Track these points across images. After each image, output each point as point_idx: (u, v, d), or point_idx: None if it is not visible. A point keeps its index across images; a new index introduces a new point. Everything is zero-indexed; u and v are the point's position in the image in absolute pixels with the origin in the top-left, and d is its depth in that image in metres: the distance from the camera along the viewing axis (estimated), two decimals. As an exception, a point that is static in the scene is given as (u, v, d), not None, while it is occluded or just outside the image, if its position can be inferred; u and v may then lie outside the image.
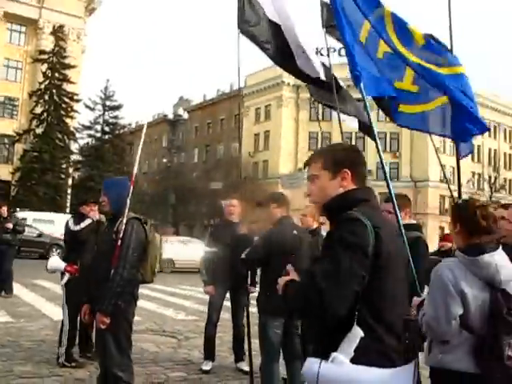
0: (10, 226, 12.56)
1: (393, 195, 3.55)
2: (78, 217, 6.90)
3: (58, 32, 46.11)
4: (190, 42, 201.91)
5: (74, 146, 46.53)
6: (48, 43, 46.80)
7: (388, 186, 3.63)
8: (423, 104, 4.42)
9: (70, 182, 43.69)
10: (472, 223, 2.75)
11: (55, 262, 6.88)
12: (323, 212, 2.32)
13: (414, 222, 4.89)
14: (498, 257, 2.68)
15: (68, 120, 44.89)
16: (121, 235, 4.18)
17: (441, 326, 2.64)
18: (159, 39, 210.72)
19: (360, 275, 1.99)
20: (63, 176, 43.55)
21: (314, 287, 1.97)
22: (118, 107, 49.08)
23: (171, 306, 12.56)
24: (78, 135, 46.88)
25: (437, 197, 54.86)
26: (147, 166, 71.18)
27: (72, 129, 45.55)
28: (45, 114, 43.88)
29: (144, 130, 5.37)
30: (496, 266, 2.64)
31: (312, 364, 2.02)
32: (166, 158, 69.37)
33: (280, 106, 59.24)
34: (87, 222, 6.79)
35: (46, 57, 45.35)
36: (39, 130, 43.32)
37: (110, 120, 48.94)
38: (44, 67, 45.12)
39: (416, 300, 3.09)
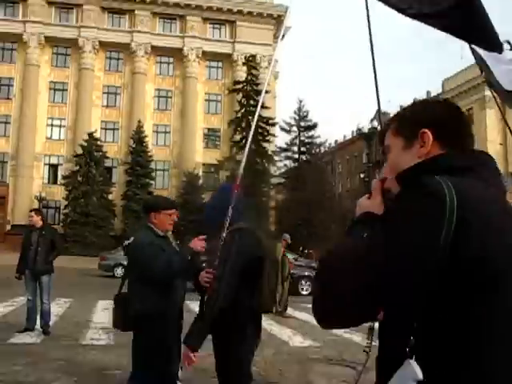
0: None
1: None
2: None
3: (250, 62, 47.85)
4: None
5: (273, 169, 47.50)
6: (242, 74, 48.85)
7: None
8: None
9: (272, 204, 44.66)
10: None
11: None
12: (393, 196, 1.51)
13: None
14: None
15: (266, 144, 46.05)
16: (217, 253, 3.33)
17: None
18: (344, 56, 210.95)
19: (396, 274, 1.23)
20: (264, 199, 44.53)
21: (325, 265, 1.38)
22: (313, 127, 49.37)
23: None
24: (276, 158, 47.84)
25: None
26: (349, 184, 70.75)
27: (270, 152, 46.62)
28: (243, 141, 45.44)
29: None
30: None
31: None
32: (364, 173, 68.13)
33: (483, 108, 54.97)
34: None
35: (240, 86, 47.26)
36: (239, 157, 44.87)
37: (306, 140, 49.36)
38: (239, 96, 47.00)
39: None
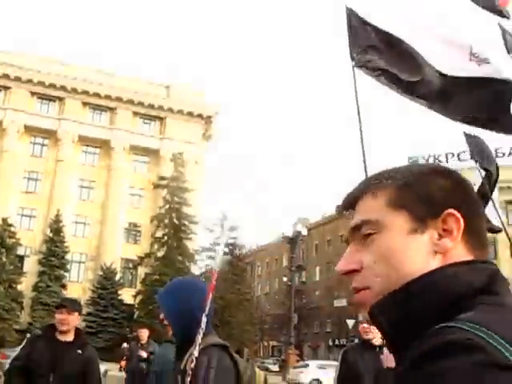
0: (144, 354, 10.51)
1: None
2: None
3: (178, 159, 47.94)
4: (305, 162, 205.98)
5: (193, 268, 46.66)
6: (168, 169, 48.68)
7: None
8: None
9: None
10: None
11: None
12: (383, 327, 0.88)
13: None
14: None
15: (188, 242, 45.36)
16: (189, 377, 2.42)
17: None
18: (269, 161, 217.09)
19: None
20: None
21: None
22: (234, 228, 49.39)
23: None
24: (197, 257, 47.16)
25: None
26: (268, 287, 70.39)
27: (192, 251, 45.89)
28: (165, 238, 44.71)
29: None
30: None
31: None
32: (286, 277, 68.44)
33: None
34: None
35: (165, 182, 46.95)
36: (160, 253, 44.02)
37: (229, 241, 49.17)
38: (164, 192, 46.60)
39: None
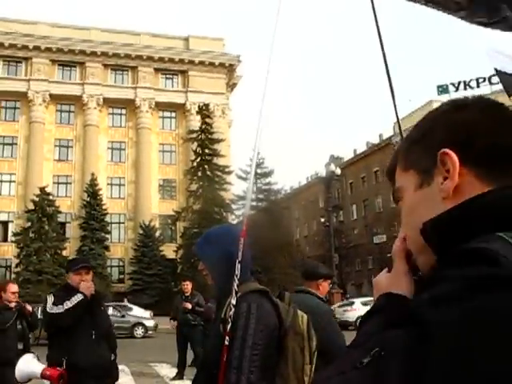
0: (189, 306, 10.88)
1: None
2: (63, 291, 4.83)
3: (204, 110, 47.74)
4: (333, 99, 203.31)
5: (231, 218, 46.99)
6: (196, 123, 48.59)
7: None
8: None
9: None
10: None
11: (26, 364, 4.34)
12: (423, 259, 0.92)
13: None
14: None
15: (223, 193, 45.63)
16: (229, 325, 2.36)
17: None
18: (299, 102, 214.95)
19: None
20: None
21: None
22: (269, 173, 49.36)
23: None
24: (233, 206, 47.44)
25: None
26: (307, 229, 70.69)
27: (227, 201, 46.18)
28: (200, 190, 44.98)
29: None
30: None
31: None
32: (324, 218, 68.52)
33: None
34: (76, 298, 4.58)
35: (194, 135, 46.96)
36: (196, 207, 44.41)
37: (263, 187, 49.27)
38: (194, 146, 46.70)
39: None
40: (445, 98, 53.63)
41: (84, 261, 5.66)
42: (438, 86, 50.92)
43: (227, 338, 2.32)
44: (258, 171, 48.90)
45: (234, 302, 2.37)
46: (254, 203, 48.47)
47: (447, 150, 0.87)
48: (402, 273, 0.97)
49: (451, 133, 0.89)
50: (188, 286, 11.43)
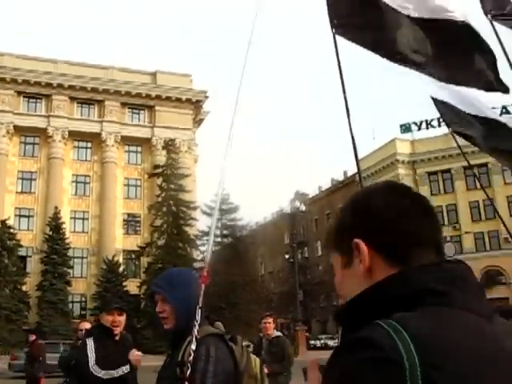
0: None
1: None
2: (99, 332, 4.83)
3: (170, 146, 47.85)
4: (300, 139, 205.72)
5: (195, 253, 46.76)
6: (162, 158, 48.58)
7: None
8: None
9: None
10: None
11: None
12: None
13: None
14: None
15: (187, 228, 45.45)
16: (189, 369, 2.38)
17: None
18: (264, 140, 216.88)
19: None
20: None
21: None
22: (234, 209, 49.51)
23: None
24: (198, 242, 47.25)
25: None
26: (272, 265, 70.65)
27: (192, 236, 45.99)
28: (165, 226, 44.77)
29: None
30: None
31: None
32: (289, 254, 68.65)
33: (398, 185, 57.09)
34: (123, 370, 4.48)
35: (160, 170, 46.92)
36: (161, 242, 44.13)
37: (228, 223, 49.30)
38: (159, 181, 46.59)
39: None
40: (407, 136, 55.07)
41: (117, 302, 5.83)
42: (401, 125, 52.18)
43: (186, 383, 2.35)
44: (224, 207, 48.96)
45: (193, 347, 2.39)
46: (219, 239, 48.42)
47: (357, 240, 1.03)
48: (315, 380, 1.12)
49: (360, 222, 1.05)
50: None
